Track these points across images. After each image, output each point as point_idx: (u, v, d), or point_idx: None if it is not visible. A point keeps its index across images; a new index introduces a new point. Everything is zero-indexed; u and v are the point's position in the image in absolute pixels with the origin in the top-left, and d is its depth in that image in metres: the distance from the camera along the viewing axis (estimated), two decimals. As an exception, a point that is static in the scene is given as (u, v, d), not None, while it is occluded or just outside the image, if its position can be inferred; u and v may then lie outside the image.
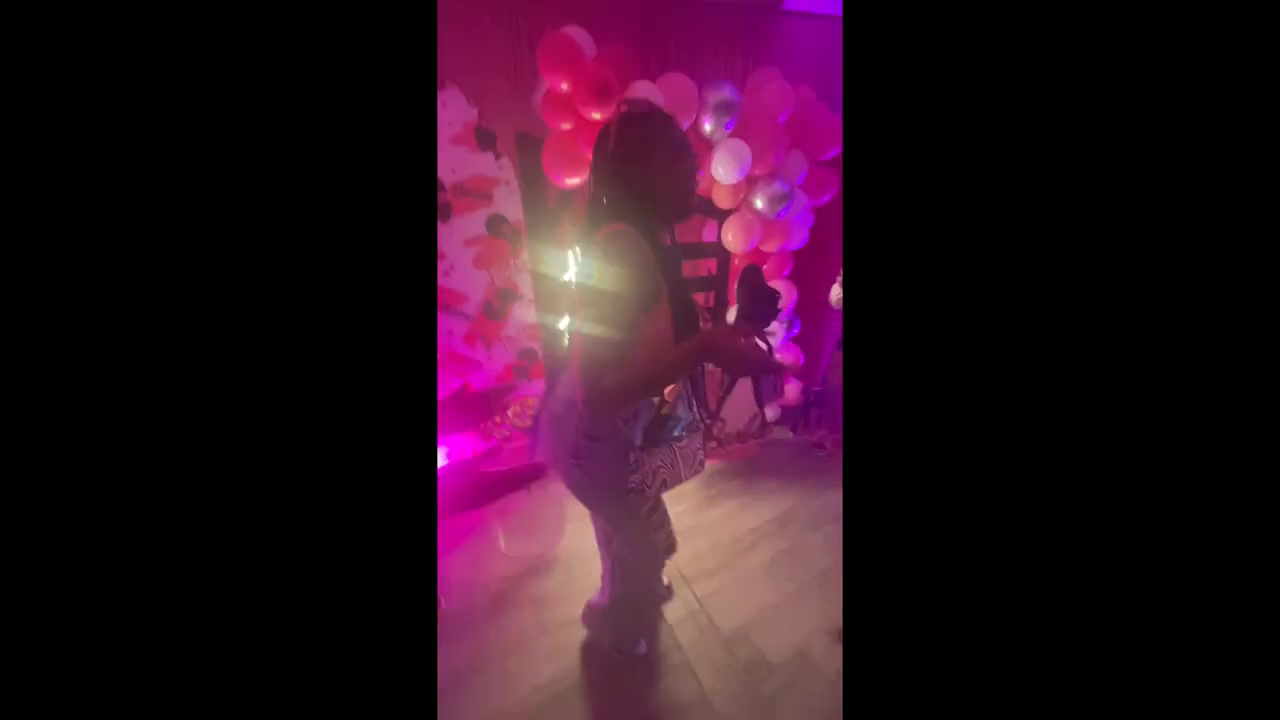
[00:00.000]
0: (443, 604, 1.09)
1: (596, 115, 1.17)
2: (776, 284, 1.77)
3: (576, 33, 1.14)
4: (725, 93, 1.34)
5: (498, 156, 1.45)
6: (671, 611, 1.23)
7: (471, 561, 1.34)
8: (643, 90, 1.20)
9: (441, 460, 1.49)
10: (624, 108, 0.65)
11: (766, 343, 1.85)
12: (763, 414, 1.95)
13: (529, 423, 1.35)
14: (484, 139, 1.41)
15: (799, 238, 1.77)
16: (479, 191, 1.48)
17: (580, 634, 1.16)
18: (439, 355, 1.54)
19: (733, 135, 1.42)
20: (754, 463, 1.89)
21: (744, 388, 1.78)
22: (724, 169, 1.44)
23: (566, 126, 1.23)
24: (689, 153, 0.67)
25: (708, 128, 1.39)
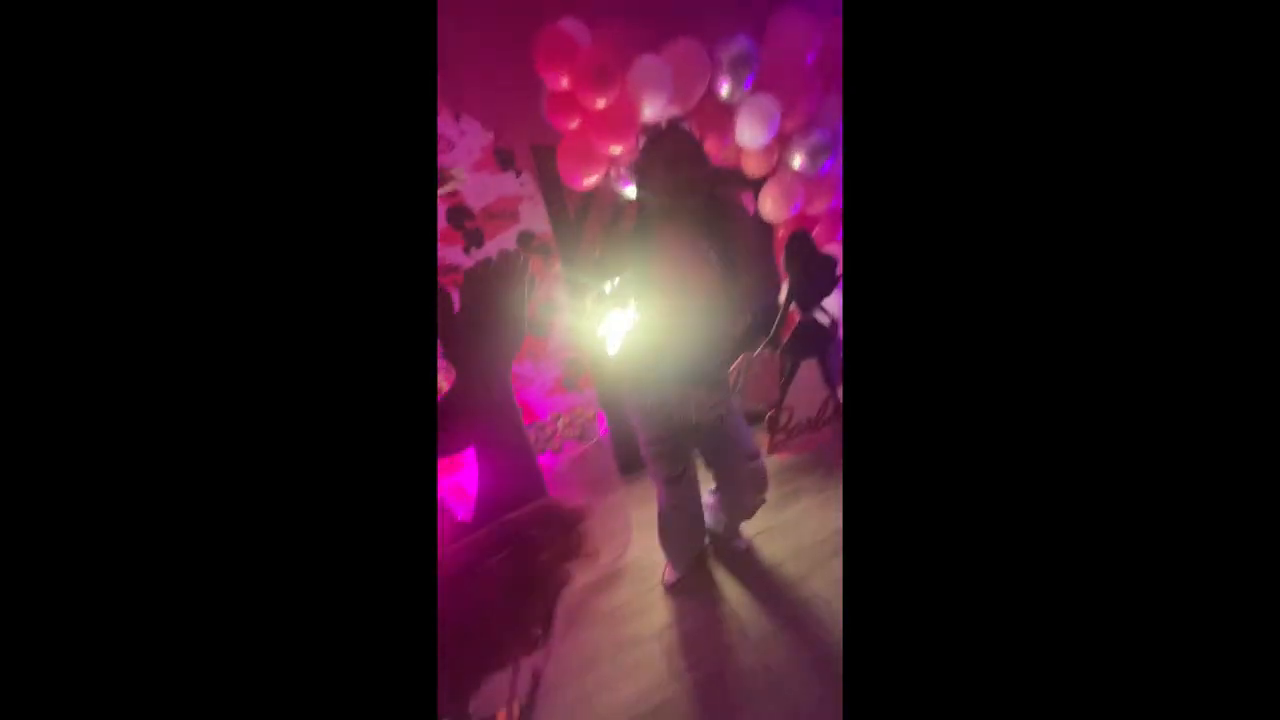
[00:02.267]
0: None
1: (601, 104, 1.12)
2: (831, 249, 1.56)
3: (569, 24, 1.10)
4: (739, 45, 1.20)
5: (518, 174, 1.47)
6: (758, 626, 1.10)
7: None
8: (646, 66, 1.12)
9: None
10: (643, 137, 0.88)
11: (829, 315, 1.63)
12: (835, 396, 1.73)
13: (578, 432, 1.33)
14: (503, 159, 1.44)
15: (851, 191, 1.54)
16: (506, 212, 1.51)
17: (656, 650, 1.09)
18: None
19: (755, 92, 1.28)
20: (830, 452, 1.68)
21: (810, 369, 1.58)
22: (750, 131, 1.29)
23: (574, 125, 1.20)
24: (696, 158, 0.85)
25: (724, 90, 1.26)
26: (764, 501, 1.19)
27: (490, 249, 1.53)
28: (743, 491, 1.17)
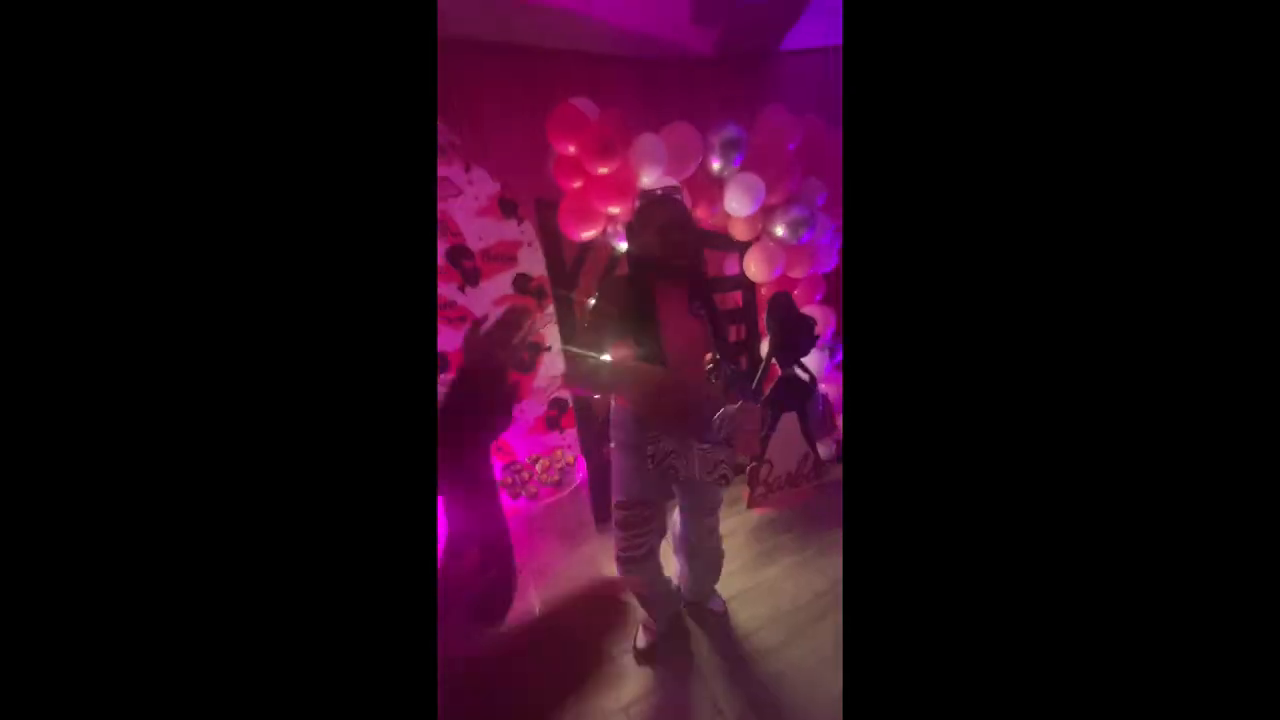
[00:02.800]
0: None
1: (604, 170, 1.22)
2: (810, 310, 1.67)
3: (581, 102, 1.23)
4: (729, 131, 1.36)
5: (520, 221, 1.56)
6: (734, 700, 1.03)
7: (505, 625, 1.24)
8: (646, 142, 1.25)
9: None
10: (641, 200, 0.94)
11: (808, 373, 1.69)
12: (815, 452, 1.75)
13: (556, 478, 1.30)
14: (506, 208, 1.53)
15: (827, 260, 1.68)
16: (504, 255, 1.58)
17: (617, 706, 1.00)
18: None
19: (743, 169, 1.43)
20: (810, 510, 1.67)
21: (790, 423, 1.61)
22: (737, 202, 1.43)
23: (577, 185, 1.30)
24: (685, 224, 0.91)
25: (716, 166, 1.41)
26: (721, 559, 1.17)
27: (486, 289, 1.57)
28: (708, 551, 1.15)
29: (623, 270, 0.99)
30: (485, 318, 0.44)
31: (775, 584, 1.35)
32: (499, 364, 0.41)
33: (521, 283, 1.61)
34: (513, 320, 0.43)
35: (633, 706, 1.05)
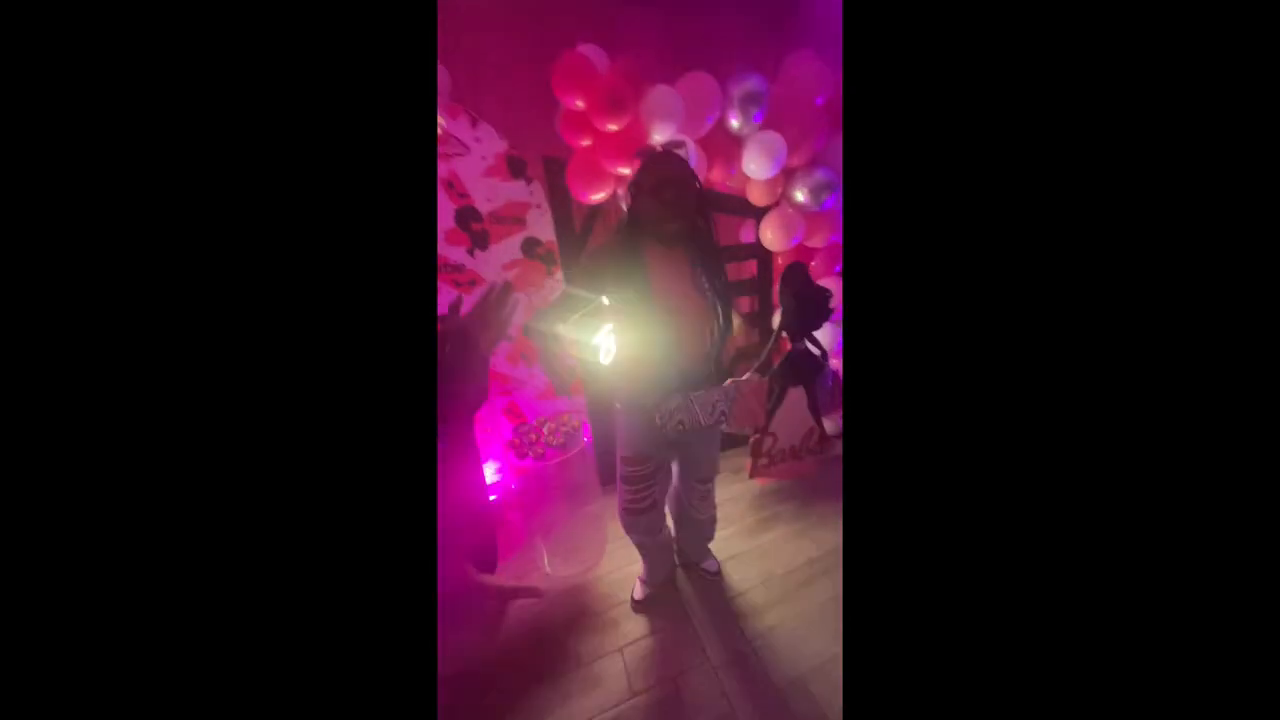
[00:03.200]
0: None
1: (613, 127, 1.16)
2: (827, 282, 1.60)
3: (589, 50, 1.15)
4: (750, 84, 1.25)
5: (528, 182, 1.51)
6: (719, 651, 1.11)
7: (516, 579, 1.35)
8: (659, 95, 1.17)
9: (492, 475, 1.54)
10: (638, 158, 0.87)
11: (820, 347, 1.65)
12: (820, 426, 1.75)
13: (562, 440, 1.34)
14: (514, 166, 1.47)
15: (851, 228, 1.58)
16: (513, 217, 1.55)
17: (618, 664, 1.09)
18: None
19: (765, 126, 1.33)
20: (811, 483, 1.69)
21: (797, 397, 1.61)
22: (756, 164, 1.34)
23: (586, 143, 1.24)
24: (683, 183, 0.85)
25: (735, 123, 1.31)
26: (714, 519, 1.22)
27: (496, 251, 1.56)
28: (700, 519, 1.20)
29: (623, 234, 0.94)
30: (460, 300, 0.44)
31: (770, 549, 1.40)
32: (479, 344, 0.40)
33: (530, 247, 1.59)
34: (493, 301, 0.43)
35: (627, 647, 1.14)
